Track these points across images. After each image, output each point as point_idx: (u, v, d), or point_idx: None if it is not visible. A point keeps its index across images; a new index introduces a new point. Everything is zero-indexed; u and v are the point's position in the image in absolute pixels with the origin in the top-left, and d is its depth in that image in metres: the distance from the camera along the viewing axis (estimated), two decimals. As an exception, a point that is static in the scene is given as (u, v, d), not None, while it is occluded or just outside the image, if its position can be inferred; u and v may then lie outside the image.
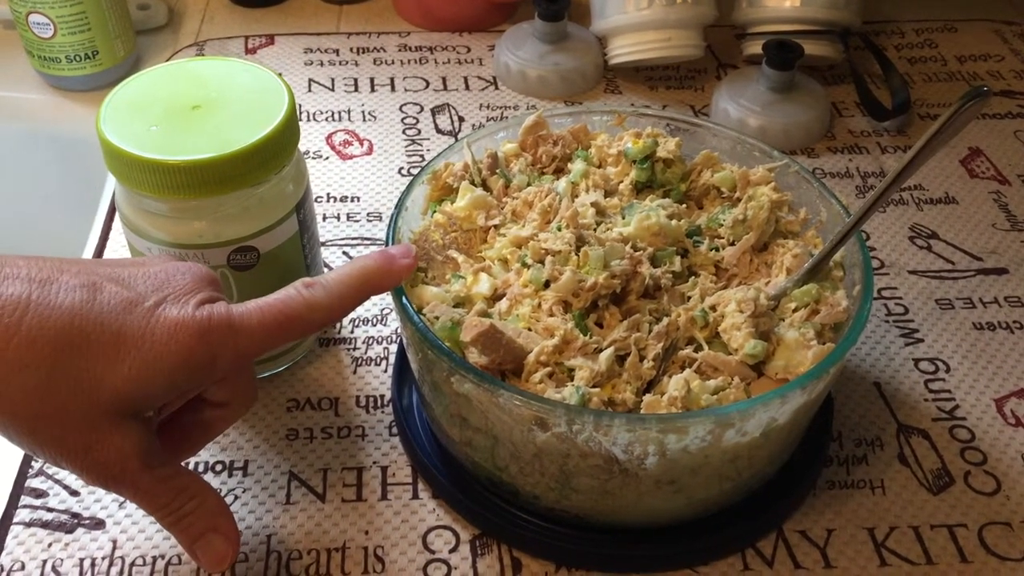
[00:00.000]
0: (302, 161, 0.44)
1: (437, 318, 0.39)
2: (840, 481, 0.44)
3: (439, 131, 0.64)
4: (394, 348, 0.50)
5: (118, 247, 0.55)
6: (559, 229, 0.42)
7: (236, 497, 0.43)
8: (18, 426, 0.32)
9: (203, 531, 0.35)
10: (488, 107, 0.66)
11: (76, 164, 0.74)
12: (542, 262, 0.41)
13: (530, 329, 0.39)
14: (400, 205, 0.43)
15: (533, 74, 0.66)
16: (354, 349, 0.49)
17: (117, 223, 0.57)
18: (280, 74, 0.44)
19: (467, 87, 0.68)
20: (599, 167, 0.47)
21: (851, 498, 0.43)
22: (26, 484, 0.43)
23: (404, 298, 0.39)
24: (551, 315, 0.40)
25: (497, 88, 0.68)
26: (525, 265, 0.41)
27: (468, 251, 0.44)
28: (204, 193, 0.40)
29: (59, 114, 0.72)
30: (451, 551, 0.41)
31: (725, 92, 0.64)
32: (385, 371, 0.48)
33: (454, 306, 0.40)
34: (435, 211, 0.45)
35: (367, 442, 0.45)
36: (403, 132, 0.63)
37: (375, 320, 0.51)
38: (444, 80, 0.68)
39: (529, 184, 0.46)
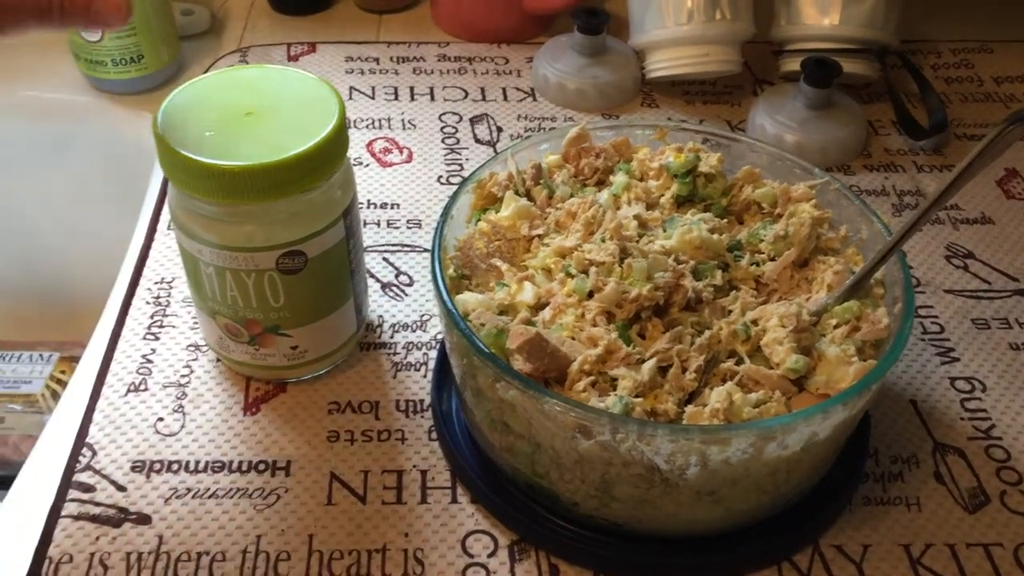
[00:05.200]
0: (350, 168, 0.45)
1: (482, 325, 0.40)
2: (876, 497, 0.44)
3: (478, 141, 0.64)
4: (433, 354, 0.50)
5: (163, 248, 0.56)
6: (603, 240, 0.42)
7: (278, 497, 0.43)
8: None
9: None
10: (526, 118, 0.67)
11: (119, 165, 0.75)
12: (586, 272, 0.42)
13: (573, 338, 0.40)
14: (446, 213, 0.44)
15: (571, 86, 0.67)
16: (394, 354, 0.50)
17: (162, 224, 0.58)
18: (329, 82, 0.44)
19: (505, 98, 0.68)
20: (640, 180, 0.48)
21: (887, 515, 0.43)
22: (73, 478, 0.44)
23: (451, 305, 0.40)
24: (595, 325, 0.40)
25: (535, 100, 0.68)
26: (569, 275, 0.42)
27: (511, 260, 0.44)
28: (256, 198, 0.41)
29: (103, 116, 0.74)
30: (489, 555, 0.41)
31: (762, 108, 0.64)
32: (424, 376, 0.49)
33: (498, 314, 0.41)
34: (479, 220, 0.46)
35: (407, 446, 0.46)
36: (442, 141, 0.64)
37: (415, 326, 0.52)
38: (483, 90, 0.69)
39: (572, 195, 0.46)
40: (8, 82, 0.76)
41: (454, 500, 0.44)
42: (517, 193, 0.46)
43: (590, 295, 0.41)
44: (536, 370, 0.38)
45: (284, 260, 0.43)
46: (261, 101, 0.43)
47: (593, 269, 0.41)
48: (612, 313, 0.40)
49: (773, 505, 0.41)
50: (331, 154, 0.42)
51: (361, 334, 0.50)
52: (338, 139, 0.42)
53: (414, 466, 0.45)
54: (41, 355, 0.77)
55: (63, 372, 0.76)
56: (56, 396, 0.74)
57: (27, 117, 0.76)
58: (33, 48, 0.76)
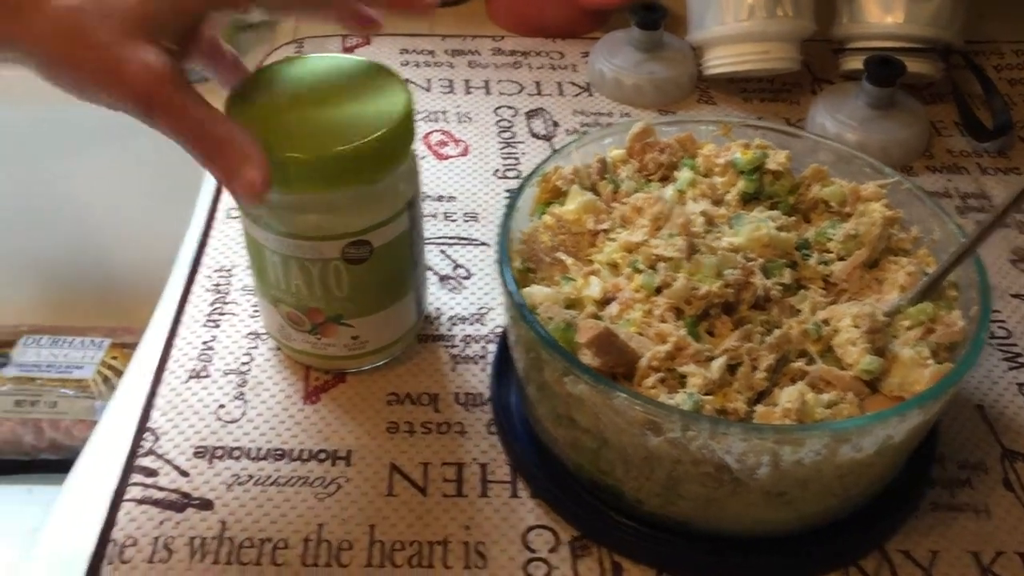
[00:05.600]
0: (415, 159, 0.45)
1: (550, 319, 0.39)
2: (944, 503, 0.43)
3: (534, 135, 0.64)
4: (492, 348, 0.50)
5: (222, 236, 0.56)
6: (671, 236, 0.42)
7: (339, 486, 0.43)
8: (57, 53, 0.35)
9: (239, 162, 0.37)
10: (582, 113, 0.66)
11: (174, 154, 0.76)
12: (653, 268, 0.41)
13: (641, 334, 0.39)
14: (512, 206, 0.44)
15: (628, 82, 0.66)
16: (452, 347, 0.50)
17: (220, 213, 0.58)
18: (396, 72, 0.44)
19: (561, 93, 0.68)
20: (705, 176, 0.47)
21: (955, 521, 0.42)
22: (136, 462, 0.44)
23: (519, 298, 0.39)
24: (663, 321, 0.40)
25: (590, 95, 0.68)
26: (636, 270, 0.41)
27: (576, 254, 0.44)
28: (325, 187, 0.41)
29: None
30: (551, 551, 0.41)
31: (822, 106, 0.63)
32: (483, 370, 0.49)
33: (564, 308, 0.41)
34: (543, 213, 0.45)
35: (466, 439, 0.46)
36: (498, 135, 0.64)
37: (472, 319, 0.52)
38: (538, 85, 0.69)
39: (637, 190, 0.46)
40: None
41: (514, 494, 0.43)
42: (582, 187, 0.46)
43: (658, 291, 0.40)
44: (604, 365, 0.38)
45: (349, 249, 0.43)
46: (329, 89, 0.43)
47: (661, 265, 0.41)
48: (680, 309, 0.40)
49: (841, 508, 0.40)
50: (399, 144, 0.42)
51: (420, 326, 0.49)
52: (406, 128, 0.42)
53: (474, 459, 0.45)
54: (93, 341, 0.78)
55: (114, 358, 0.77)
56: (108, 382, 0.75)
57: (82, 103, 0.77)
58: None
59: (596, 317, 0.40)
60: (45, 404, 0.73)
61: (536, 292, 0.41)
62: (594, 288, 0.42)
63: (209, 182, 0.63)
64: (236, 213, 0.58)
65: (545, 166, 0.46)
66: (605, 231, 0.44)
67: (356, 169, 0.40)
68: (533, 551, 0.41)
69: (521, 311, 0.39)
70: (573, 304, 0.41)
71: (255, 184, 0.37)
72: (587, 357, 0.38)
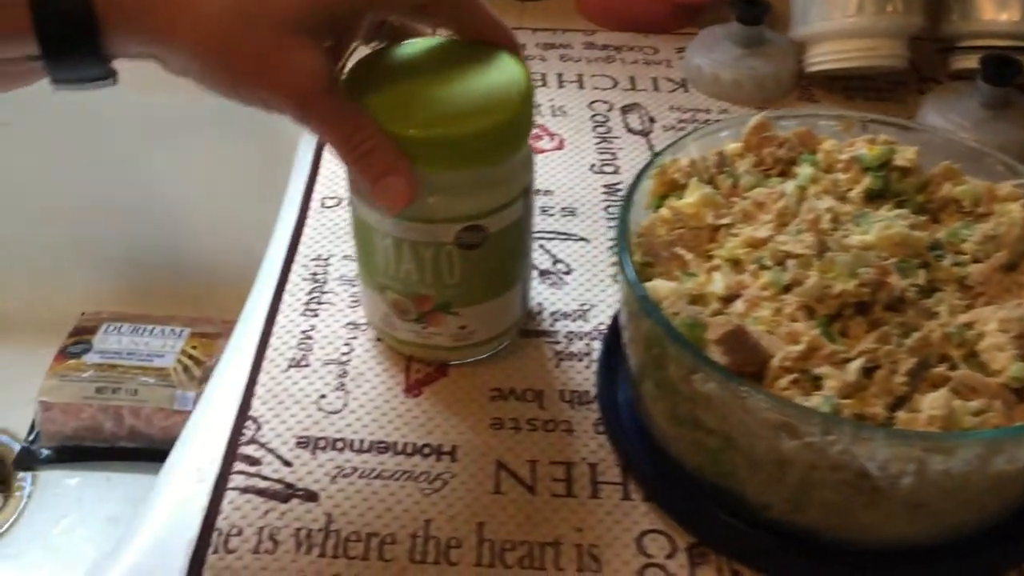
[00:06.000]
0: (530, 147, 0.44)
1: (675, 314, 0.38)
2: (1084, 521, 0.41)
3: (630, 130, 0.63)
4: (596, 344, 0.49)
5: (318, 225, 0.56)
6: (799, 232, 0.40)
7: (445, 482, 0.42)
8: (214, 56, 0.34)
9: (385, 171, 0.37)
10: (679, 109, 0.64)
11: (260, 143, 0.76)
12: (780, 265, 0.40)
13: (771, 333, 0.38)
14: (629, 198, 0.42)
15: (727, 77, 0.65)
16: (556, 343, 0.49)
17: (315, 202, 0.57)
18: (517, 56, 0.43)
19: (656, 88, 0.66)
20: (827, 172, 0.45)
21: (1097, 541, 0.40)
22: (239, 451, 0.43)
23: (642, 292, 0.38)
24: (793, 320, 0.38)
25: (687, 91, 0.66)
26: (763, 267, 0.40)
27: (694, 249, 0.42)
28: (449, 167, 0.40)
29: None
30: (667, 557, 0.39)
31: (933, 106, 0.61)
32: (588, 367, 0.47)
33: (688, 304, 0.39)
34: (658, 206, 0.44)
35: (574, 437, 0.44)
36: (593, 129, 0.63)
37: (575, 316, 0.50)
38: (632, 80, 0.67)
39: (757, 185, 0.44)
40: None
41: (626, 497, 0.42)
42: (701, 181, 0.44)
43: (786, 289, 0.39)
44: (733, 363, 0.36)
45: (464, 234, 0.41)
46: (448, 70, 0.42)
47: (790, 262, 0.39)
48: (811, 309, 0.38)
49: (979, 523, 0.38)
50: (523, 126, 0.41)
51: (523, 320, 0.48)
52: (528, 111, 0.41)
53: (583, 459, 0.43)
54: (173, 330, 0.78)
55: (194, 347, 0.77)
56: (188, 371, 0.75)
57: (164, 90, 0.77)
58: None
59: (720, 315, 0.39)
60: (126, 391, 0.73)
61: (660, 286, 0.39)
62: (718, 284, 0.40)
63: (301, 171, 0.62)
64: (331, 203, 0.57)
65: (661, 158, 0.45)
66: (727, 226, 0.43)
67: (483, 150, 0.40)
68: (649, 556, 0.39)
69: (645, 305, 0.37)
70: (695, 300, 0.40)
71: (400, 193, 0.38)
72: (715, 355, 0.37)
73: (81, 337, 0.78)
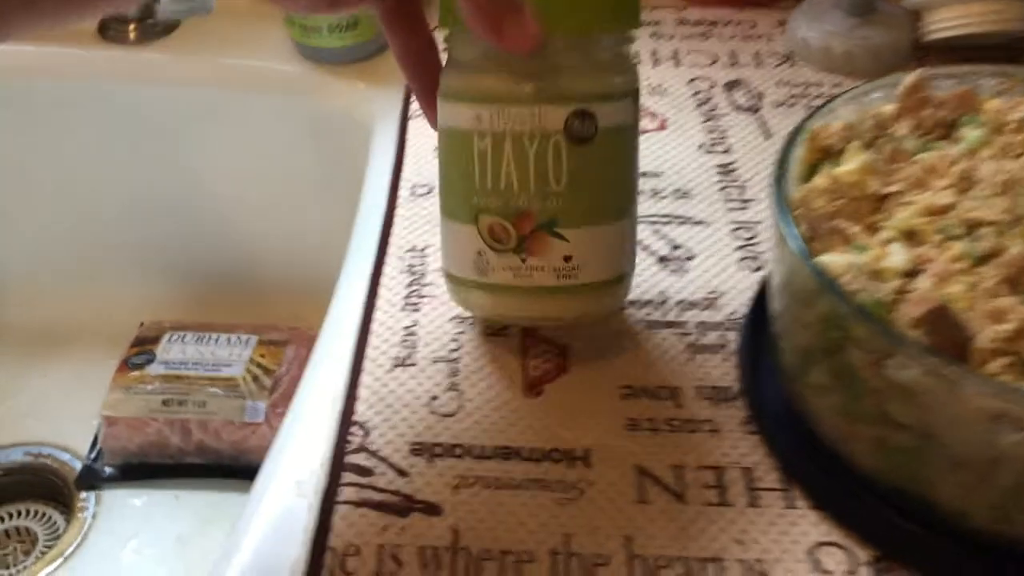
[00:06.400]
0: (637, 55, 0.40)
1: (856, 292, 0.33)
2: None
3: (737, 107, 0.58)
4: (730, 336, 0.44)
5: (409, 215, 0.51)
6: (989, 197, 0.35)
7: (582, 492, 0.37)
8: None
9: (507, 8, 0.34)
10: (787, 84, 0.60)
11: (329, 140, 0.72)
12: (971, 234, 0.34)
13: (970, 310, 0.33)
14: (783, 166, 0.37)
15: (839, 49, 0.60)
16: (685, 334, 0.44)
17: (403, 191, 0.53)
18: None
19: (759, 63, 0.62)
20: (995, 134, 0.40)
21: None
22: (346, 460, 0.39)
23: (819, 268, 0.33)
24: (992, 296, 0.33)
25: (792, 65, 0.61)
26: (951, 237, 0.35)
27: (859, 221, 0.37)
28: (562, 26, 0.36)
29: (314, 87, 0.70)
30: (848, 573, 0.34)
31: (1073, 71, 0.55)
32: (726, 360, 0.42)
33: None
34: (809, 176, 0.39)
35: (720, 439, 0.39)
36: (696, 107, 0.58)
37: (703, 304, 0.45)
38: (733, 55, 0.62)
39: (922, 150, 0.39)
40: (211, 49, 0.73)
41: (790, 504, 0.37)
42: (861, 146, 0.39)
43: (982, 260, 0.34)
44: (933, 345, 0.31)
45: (574, 121, 0.37)
46: None
47: (983, 230, 0.34)
48: (1015, 282, 0.33)
49: None
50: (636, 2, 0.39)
51: (630, 285, 0.42)
52: None
53: (734, 462, 0.38)
54: (239, 338, 0.74)
55: (262, 356, 0.72)
56: (257, 380, 0.71)
57: (229, 87, 0.73)
58: (241, 15, 0.73)
59: (904, 292, 0.34)
60: (193, 404, 0.69)
61: (833, 262, 0.34)
62: (897, 257, 0.35)
63: (380, 164, 0.58)
64: (423, 191, 0.52)
65: (810, 123, 0.40)
66: (895, 194, 0.37)
67: (602, 11, 0.37)
68: (826, 572, 0.34)
69: (823, 282, 0.32)
70: (872, 276, 0.35)
71: (528, 23, 0.34)
72: (914, 336, 0.31)
73: (143, 347, 0.74)
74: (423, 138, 0.57)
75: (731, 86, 0.60)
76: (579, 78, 0.37)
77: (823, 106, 0.40)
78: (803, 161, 0.40)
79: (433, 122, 0.41)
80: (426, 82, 0.41)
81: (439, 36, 0.40)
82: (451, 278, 0.42)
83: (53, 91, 0.76)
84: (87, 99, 0.76)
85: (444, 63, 0.40)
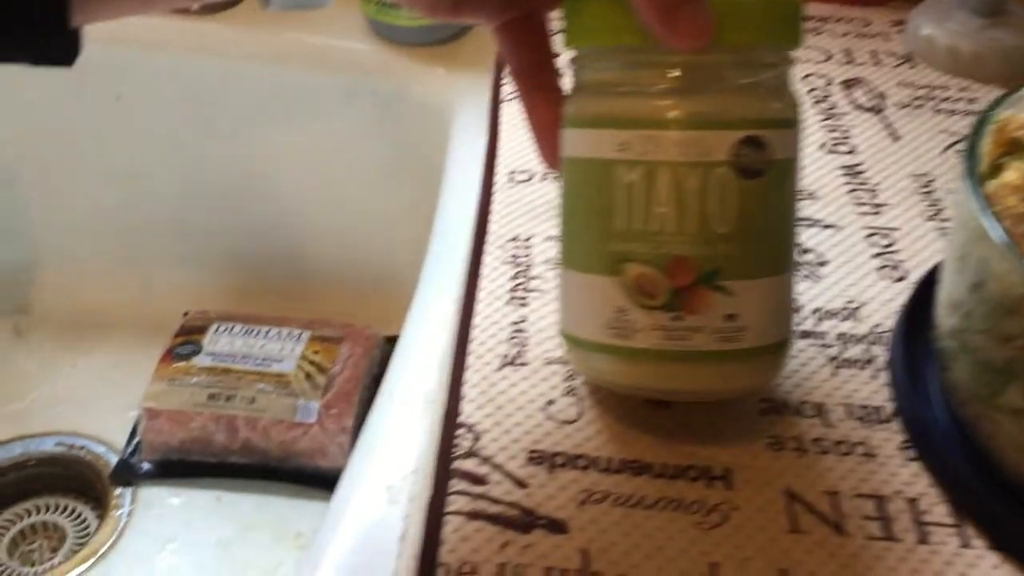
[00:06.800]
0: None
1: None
2: None
3: (858, 107, 0.53)
4: (876, 350, 0.39)
5: (508, 201, 0.47)
6: None
7: (725, 516, 0.33)
8: None
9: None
10: (910, 85, 0.55)
11: (400, 127, 0.68)
12: None
13: None
14: (973, 157, 0.33)
15: (967, 50, 0.55)
16: (827, 346, 0.39)
17: (500, 177, 0.49)
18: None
19: (877, 62, 0.57)
20: None
21: None
22: (453, 466, 0.34)
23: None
24: None
25: (913, 66, 0.57)
26: None
27: (1055, 225, 0.33)
28: (734, 36, 0.31)
29: (387, 68, 0.66)
30: (1047, 626, 0.30)
31: None
32: (874, 377, 0.38)
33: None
34: (992, 173, 0.34)
35: (878, 464, 0.35)
36: (814, 105, 0.54)
37: (843, 315, 0.41)
38: (848, 53, 0.58)
39: (1120, 148, 0.35)
40: (276, 22, 0.69)
41: (965, 543, 0.32)
42: (1055, 139, 0.35)
43: None
44: None
45: (743, 149, 0.31)
46: None
47: None
48: None
49: None
50: (798, 16, 0.33)
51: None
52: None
53: (896, 492, 0.34)
54: (291, 332, 0.69)
55: (316, 352, 0.68)
56: (310, 378, 0.66)
57: (292, 64, 0.69)
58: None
59: None
60: (242, 399, 0.65)
61: (1045, 264, 0.30)
62: (1114, 266, 0.30)
63: (464, 152, 0.53)
64: (522, 177, 0.48)
65: (995, 114, 0.35)
66: (1100, 195, 0.33)
67: (778, 22, 0.32)
68: (1020, 624, 0.30)
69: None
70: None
71: (706, 27, 0.30)
72: None
73: (189, 337, 0.69)
74: (519, 123, 0.52)
75: (849, 84, 0.55)
76: (747, 99, 0.32)
77: (1006, 96, 0.36)
78: (988, 155, 0.35)
79: (548, 155, 0.35)
80: (545, 102, 0.35)
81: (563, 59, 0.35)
82: (574, 341, 0.35)
83: (105, 60, 0.72)
84: (139, 70, 0.73)
85: (571, 87, 0.35)
